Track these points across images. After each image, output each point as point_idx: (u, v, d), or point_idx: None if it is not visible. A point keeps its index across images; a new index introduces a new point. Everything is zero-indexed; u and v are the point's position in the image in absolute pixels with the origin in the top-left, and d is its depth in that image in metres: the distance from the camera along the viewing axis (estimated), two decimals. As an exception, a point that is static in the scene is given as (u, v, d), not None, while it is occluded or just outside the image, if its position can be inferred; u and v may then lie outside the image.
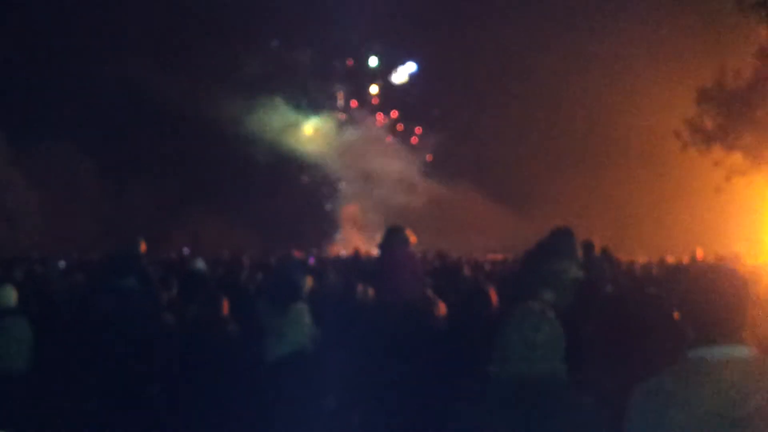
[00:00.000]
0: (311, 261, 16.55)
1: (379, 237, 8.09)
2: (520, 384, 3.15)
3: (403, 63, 40.40)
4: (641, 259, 17.93)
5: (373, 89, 40.75)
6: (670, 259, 16.53)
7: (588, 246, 8.69)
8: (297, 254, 17.35)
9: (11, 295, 6.79)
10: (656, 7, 32.58)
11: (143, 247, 8.67)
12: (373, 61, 40.09)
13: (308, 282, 7.77)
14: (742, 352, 2.65)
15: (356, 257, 17.54)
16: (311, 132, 38.85)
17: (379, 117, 40.47)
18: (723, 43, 25.95)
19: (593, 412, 3.17)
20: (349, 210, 38.65)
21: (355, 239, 32.54)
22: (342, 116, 40.11)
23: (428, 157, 38.92)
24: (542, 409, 3.09)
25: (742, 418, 2.51)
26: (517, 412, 3.11)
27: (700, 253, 15.91)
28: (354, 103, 40.51)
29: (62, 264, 15.22)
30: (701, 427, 2.56)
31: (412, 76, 40.83)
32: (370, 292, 7.61)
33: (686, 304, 2.81)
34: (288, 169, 37.10)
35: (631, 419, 2.76)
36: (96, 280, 9.42)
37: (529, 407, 3.10)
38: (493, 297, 5.62)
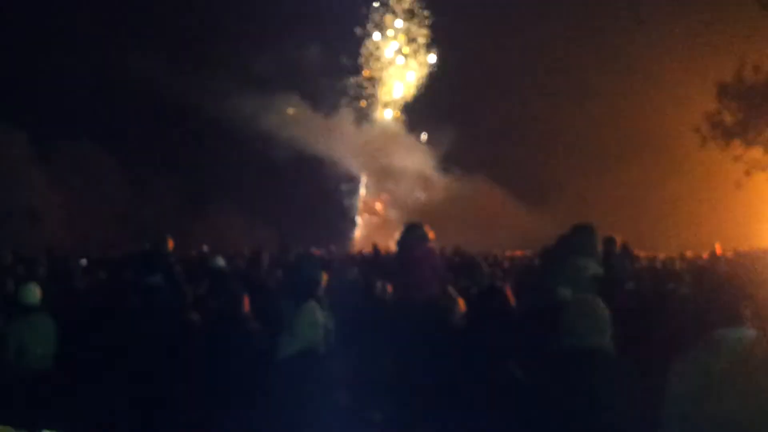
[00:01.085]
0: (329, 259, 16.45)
1: (397, 233, 8.00)
2: (575, 355, 3.96)
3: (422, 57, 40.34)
4: (661, 255, 17.80)
5: (392, 84, 40.71)
6: (690, 255, 16.40)
7: (610, 242, 8.60)
8: (316, 252, 17.28)
9: (35, 293, 6.85)
10: (676, 2, 32.33)
11: (170, 244, 8.69)
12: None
13: (323, 279, 7.76)
14: (750, 333, 3.47)
15: (375, 253, 17.46)
16: (329, 129, 38.81)
17: (398, 112, 40.42)
18: (742, 38, 25.70)
19: (636, 380, 3.91)
20: (367, 206, 38.62)
21: (374, 235, 32.52)
22: (360, 112, 40.09)
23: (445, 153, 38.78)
24: (593, 375, 3.87)
25: (756, 381, 3.30)
26: (573, 378, 3.89)
27: (719, 249, 15.78)
28: (372, 100, 40.49)
29: (83, 262, 15.30)
30: (727, 386, 3.32)
31: (431, 70, 40.71)
32: (389, 288, 7.60)
33: (713, 297, 3.64)
34: (306, 166, 37.11)
35: (674, 383, 3.48)
36: (121, 277, 9.49)
37: (582, 374, 3.89)
38: (510, 295, 5.56)
